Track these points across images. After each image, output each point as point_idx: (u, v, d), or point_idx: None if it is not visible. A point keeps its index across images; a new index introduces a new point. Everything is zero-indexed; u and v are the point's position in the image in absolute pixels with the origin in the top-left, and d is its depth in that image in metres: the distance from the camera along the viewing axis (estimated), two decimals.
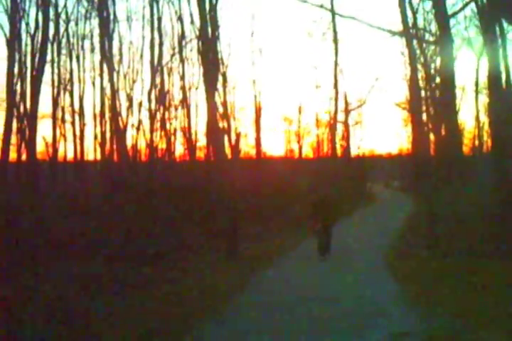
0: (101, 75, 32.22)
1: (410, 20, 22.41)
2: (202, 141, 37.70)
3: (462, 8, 21.61)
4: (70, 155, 34.85)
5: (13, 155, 26.91)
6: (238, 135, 32.09)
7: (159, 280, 10.77)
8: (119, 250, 13.19)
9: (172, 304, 8.58)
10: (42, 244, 12.33)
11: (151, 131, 31.51)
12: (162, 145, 33.13)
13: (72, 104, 34.25)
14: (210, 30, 16.05)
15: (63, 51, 33.16)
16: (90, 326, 7.33)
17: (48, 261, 11.29)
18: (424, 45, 29.10)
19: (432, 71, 31.49)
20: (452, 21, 25.35)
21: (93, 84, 34.81)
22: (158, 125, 31.89)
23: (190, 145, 32.41)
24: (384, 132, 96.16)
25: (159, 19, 31.26)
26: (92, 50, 34.72)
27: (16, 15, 25.38)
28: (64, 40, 32.86)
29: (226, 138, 22.95)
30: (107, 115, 32.73)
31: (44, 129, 40.54)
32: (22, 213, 14.39)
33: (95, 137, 34.83)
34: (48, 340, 6.76)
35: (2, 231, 12.22)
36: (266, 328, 7.28)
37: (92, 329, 7.19)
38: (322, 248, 13.77)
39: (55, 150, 30.78)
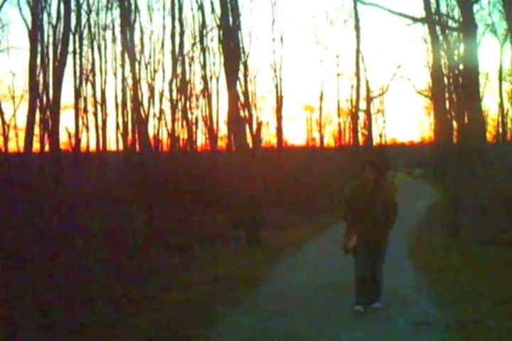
0: (122, 65, 32.45)
1: (433, 7, 22.16)
2: (223, 131, 37.83)
3: None
4: (93, 146, 35.27)
5: (36, 145, 27.31)
6: (259, 124, 32.04)
7: (180, 269, 10.82)
8: (142, 240, 13.30)
9: (189, 293, 8.65)
10: (65, 234, 12.47)
11: (173, 120, 31.63)
12: (184, 134, 33.28)
13: (94, 95, 34.60)
14: (231, 18, 15.96)
15: (85, 42, 33.52)
16: (113, 313, 7.42)
17: (71, 250, 11.40)
18: (447, 31, 28.71)
19: (455, 58, 31.06)
20: (476, 7, 25.07)
21: (115, 74, 35.12)
22: (179, 115, 32.01)
23: (212, 134, 32.48)
24: (406, 120, 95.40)
25: (180, 8, 31.25)
26: (114, 40, 35.04)
27: (37, 6, 25.56)
28: (86, 31, 33.16)
29: (247, 127, 22.91)
30: (129, 105, 33.02)
31: (67, 120, 41.08)
32: (46, 203, 14.53)
33: (117, 127, 35.21)
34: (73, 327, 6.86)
35: (26, 222, 12.37)
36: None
37: (115, 317, 7.29)
38: (364, 291, 7.11)
39: (78, 140, 31.07)
